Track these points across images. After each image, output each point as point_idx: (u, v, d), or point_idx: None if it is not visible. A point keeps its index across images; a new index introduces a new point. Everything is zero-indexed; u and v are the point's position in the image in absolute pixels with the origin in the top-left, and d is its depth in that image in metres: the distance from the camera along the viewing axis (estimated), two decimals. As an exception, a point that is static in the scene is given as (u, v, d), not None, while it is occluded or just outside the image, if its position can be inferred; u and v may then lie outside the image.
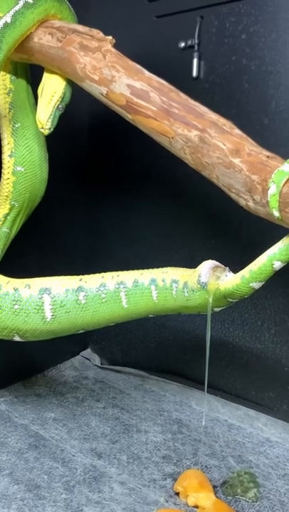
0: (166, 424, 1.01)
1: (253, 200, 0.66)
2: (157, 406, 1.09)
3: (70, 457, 0.90)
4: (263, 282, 0.71)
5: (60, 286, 0.76)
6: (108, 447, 0.93)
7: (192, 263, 0.76)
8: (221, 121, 0.71)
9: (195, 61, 1.00)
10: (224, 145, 0.68)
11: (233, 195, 0.69)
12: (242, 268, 0.72)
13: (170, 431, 0.99)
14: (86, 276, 0.78)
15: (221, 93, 0.98)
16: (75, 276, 0.78)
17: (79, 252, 1.26)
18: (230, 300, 0.75)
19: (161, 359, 1.20)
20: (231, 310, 1.03)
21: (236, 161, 0.67)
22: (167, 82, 0.75)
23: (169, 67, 1.01)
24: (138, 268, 0.78)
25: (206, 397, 1.05)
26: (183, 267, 0.78)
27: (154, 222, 1.14)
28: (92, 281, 0.76)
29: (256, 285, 0.71)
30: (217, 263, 0.74)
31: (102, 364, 1.27)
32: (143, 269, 0.78)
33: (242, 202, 0.68)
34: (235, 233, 1.00)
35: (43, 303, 0.75)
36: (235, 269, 0.73)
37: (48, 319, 0.75)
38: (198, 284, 0.73)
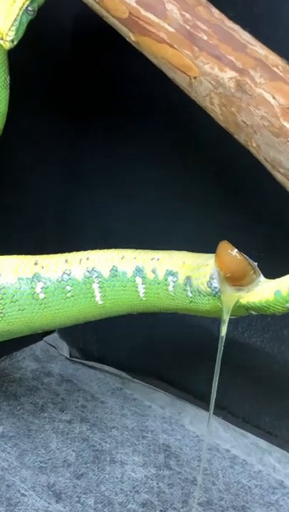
0: (149, 453, 0.91)
1: (312, 190, 0.51)
2: (139, 423, 0.98)
3: (19, 498, 0.80)
4: (306, 305, 0.58)
5: (12, 272, 0.64)
6: (71, 484, 0.83)
7: (197, 241, 0.65)
8: (272, 58, 0.55)
9: None
10: (274, 98, 0.53)
11: (279, 176, 0.55)
12: (265, 256, 0.59)
13: (154, 463, 0.89)
14: (43, 257, 0.65)
15: (261, 3, 0.80)
16: (29, 257, 0.65)
17: (51, 209, 1.13)
18: (253, 313, 0.62)
19: (149, 359, 1.10)
20: (249, 310, 0.91)
21: (291, 126, 0.52)
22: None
23: None
24: (126, 236, 0.66)
25: (208, 438, 0.95)
26: (183, 243, 0.66)
27: (153, 177, 0.99)
28: (51, 267, 0.64)
29: (295, 307, 0.58)
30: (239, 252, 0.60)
31: (71, 355, 1.17)
32: (131, 239, 0.67)
33: (292, 189, 0.54)
34: (261, 206, 0.86)
35: None
36: (257, 256, 0.60)
37: None
38: (209, 287, 0.59)
